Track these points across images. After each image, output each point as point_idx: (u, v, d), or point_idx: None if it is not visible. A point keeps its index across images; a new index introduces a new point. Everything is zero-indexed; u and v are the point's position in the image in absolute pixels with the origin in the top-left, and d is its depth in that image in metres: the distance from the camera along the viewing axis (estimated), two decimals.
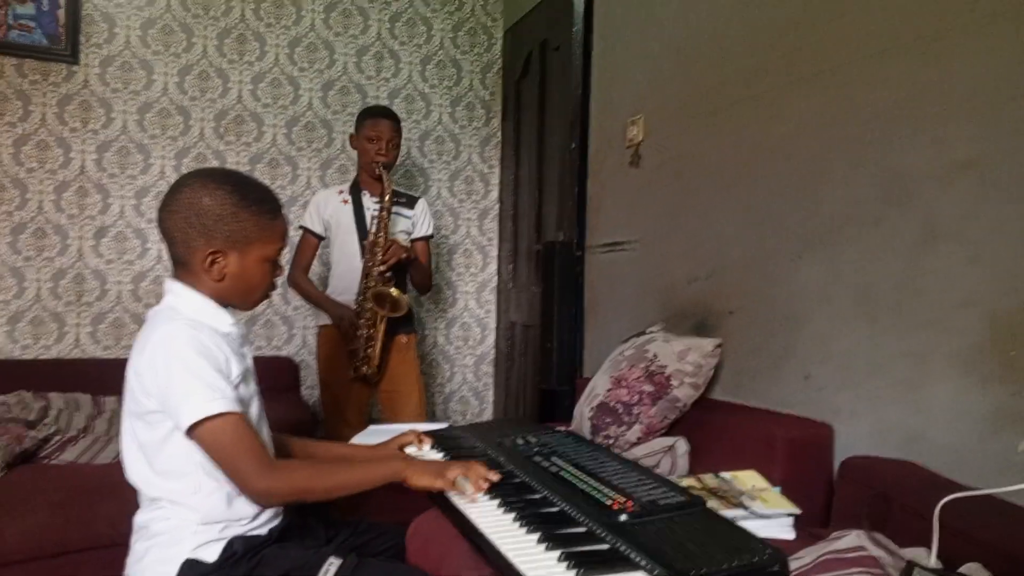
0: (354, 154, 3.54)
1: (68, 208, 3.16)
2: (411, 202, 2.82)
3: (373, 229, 2.61)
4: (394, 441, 1.70)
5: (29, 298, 3.11)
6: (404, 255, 2.59)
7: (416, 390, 2.76)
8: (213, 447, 1.25)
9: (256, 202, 1.34)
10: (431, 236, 2.87)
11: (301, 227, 2.82)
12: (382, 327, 2.61)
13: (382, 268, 2.56)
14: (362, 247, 2.66)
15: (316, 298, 2.76)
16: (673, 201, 2.44)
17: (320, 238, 2.79)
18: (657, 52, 2.57)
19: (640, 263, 2.62)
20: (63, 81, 3.14)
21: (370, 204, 2.71)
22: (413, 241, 2.80)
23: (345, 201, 2.76)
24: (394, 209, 2.67)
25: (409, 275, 2.75)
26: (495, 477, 1.39)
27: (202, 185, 1.31)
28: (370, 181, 2.73)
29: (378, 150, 2.64)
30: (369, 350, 2.62)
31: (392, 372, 2.73)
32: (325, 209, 2.76)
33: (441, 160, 3.80)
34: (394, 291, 2.57)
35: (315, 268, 2.95)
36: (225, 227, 1.30)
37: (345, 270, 2.72)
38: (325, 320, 2.73)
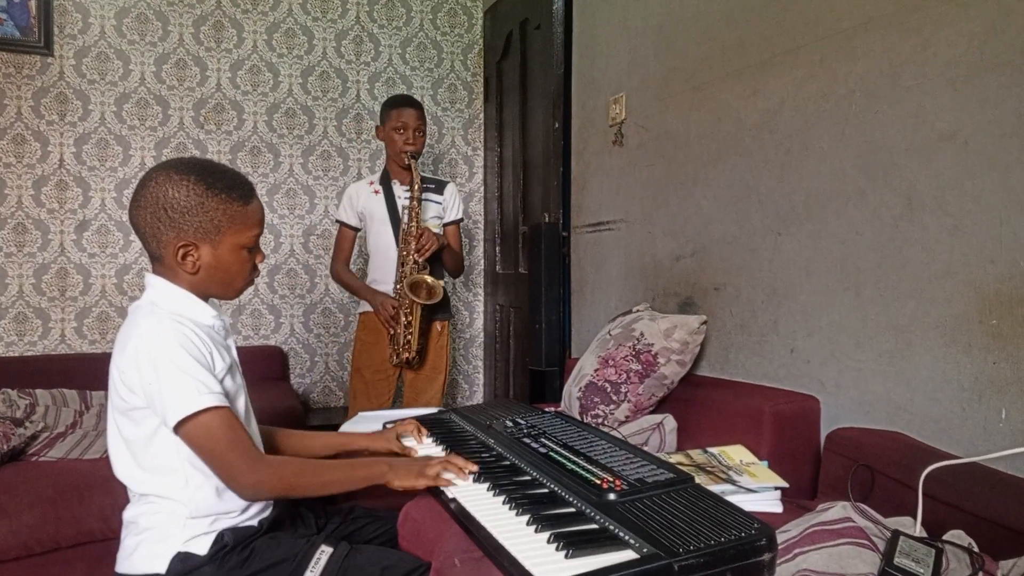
0: (337, 140, 3.56)
1: (48, 202, 3.13)
2: (440, 187, 2.84)
3: (405, 219, 2.64)
4: (392, 430, 1.69)
5: (12, 295, 3.09)
6: (438, 244, 2.64)
7: (442, 374, 2.82)
8: (201, 443, 1.24)
9: (224, 190, 1.30)
10: (461, 220, 2.91)
11: (337, 221, 2.86)
12: (419, 313, 2.66)
13: (418, 257, 2.61)
14: (396, 236, 2.70)
15: (356, 288, 2.81)
16: (657, 179, 2.44)
17: (356, 230, 2.83)
18: (638, 29, 2.55)
19: (625, 242, 2.62)
20: (38, 73, 3.09)
21: (400, 193, 2.75)
22: (444, 226, 2.83)
23: (376, 192, 2.79)
24: (423, 196, 2.70)
25: (442, 260, 2.78)
26: (474, 468, 1.39)
27: (167, 177, 1.28)
28: (399, 170, 2.76)
29: (406, 139, 2.67)
30: (409, 336, 2.66)
31: (426, 356, 2.79)
32: (357, 201, 2.79)
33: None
34: (429, 279, 2.62)
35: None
36: (193, 219, 1.28)
37: (382, 259, 2.76)
38: (366, 307, 2.78)
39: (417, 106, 2.73)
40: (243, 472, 1.26)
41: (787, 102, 1.89)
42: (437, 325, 2.79)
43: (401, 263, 2.65)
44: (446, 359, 2.84)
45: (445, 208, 2.83)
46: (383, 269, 2.75)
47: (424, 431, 1.73)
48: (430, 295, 2.62)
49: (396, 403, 2.87)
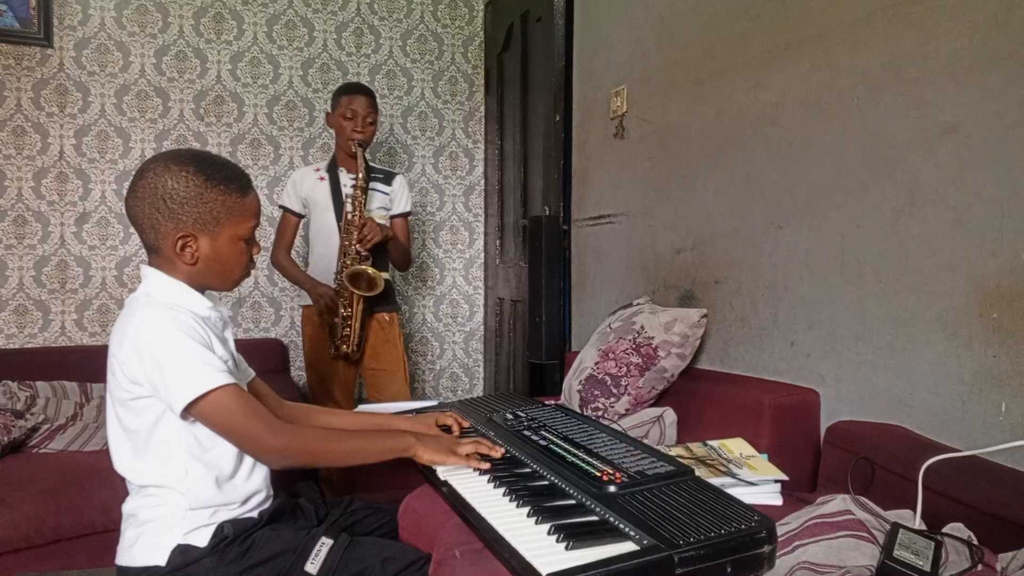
0: None
1: (48, 194, 3.12)
2: (388, 178, 2.78)
3: (349, 207, 2.58)
4: (431, 415, 1.69)
5: (12, 287, 3.09)
6: (381, 235, 2.58)
7: (400, 368, 2.76)
8: (219, 419, 1.25)
9: (222, 181, 1.30)
10: (409, 213, 2.84)
11: (280, 206, 2.80)
12: (360, 305, 2.60)
13: (359, 247, 2.55)
14: (339, 225, 2.64)
15: (297, 277, 2.74)
16: (658, 172, 2.43)
17: (299, 216, 2.77)
18: (640, 21, 2.54)
19: (626, 236, 2.62)
20: (37, 65, 3.08)
21: (347, 181, 2.68)
22: (392, 218, 2.77)
23: (322, 179, 2.73)
24: (371, 186, 2.65)
25: (388, 253, 2.73)
26: (498, 453, 1.42)
27: (165, 168, 1.27)
28: (347, 159, 2.69)
29: (354, 127, 2.61)
30: (347, 328, 2.61)
31: (375, 350, 2.73)
32: (301, 187, 2.73)
33: (425, 136, 3.76)
34: (370, 270, 2.56)
35: (299, 247, 2.94)
36: (192, 210, 1.28)
37: (324, 248, 2.70)
38: (308, 300, 2.72)
39: (369, 94, 2.68)
40: (269, 439, 1.26)
41: (789, 95, 1.89)
42: (385, 316, 2.74)
43: (343, 253, 2.59)
44: (401, 352, 2.78)
45: (393, 199, 2.77)
46: (325, 258, 2.69)
47: (465, 423, 1.70)
48: (370, 287, 2.56)
49: (363, 398, 2.84)
